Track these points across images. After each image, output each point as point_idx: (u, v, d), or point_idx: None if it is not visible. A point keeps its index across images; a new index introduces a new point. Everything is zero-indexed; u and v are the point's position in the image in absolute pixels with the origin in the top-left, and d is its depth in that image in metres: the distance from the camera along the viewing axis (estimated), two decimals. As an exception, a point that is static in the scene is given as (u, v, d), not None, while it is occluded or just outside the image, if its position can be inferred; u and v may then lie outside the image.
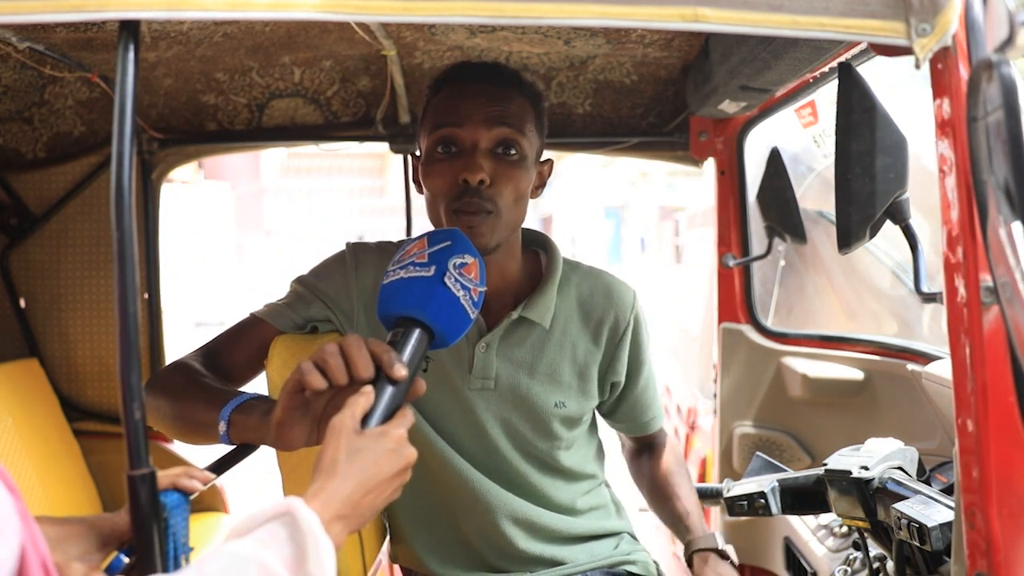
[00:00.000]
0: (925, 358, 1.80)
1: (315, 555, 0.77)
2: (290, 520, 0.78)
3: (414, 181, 1.41)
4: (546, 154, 1.42)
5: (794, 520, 1.94)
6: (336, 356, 0.94)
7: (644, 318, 1.48)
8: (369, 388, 0.92)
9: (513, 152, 1.29)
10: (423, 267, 1.04)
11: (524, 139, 1.30)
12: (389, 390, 0.93)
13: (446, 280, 1.03)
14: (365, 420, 0.91)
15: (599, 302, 1.43)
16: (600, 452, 1.56)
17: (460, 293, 1.04)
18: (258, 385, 1.29)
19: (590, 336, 1.42)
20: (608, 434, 1.60)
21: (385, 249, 1.40)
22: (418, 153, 1.40)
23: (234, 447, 1.10)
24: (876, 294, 2.71)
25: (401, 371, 0.94)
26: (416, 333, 1.00)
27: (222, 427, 1.09)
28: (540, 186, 1.40)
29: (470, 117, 1.28)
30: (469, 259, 1.07)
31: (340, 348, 0.95)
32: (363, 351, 0.94)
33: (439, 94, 1.34)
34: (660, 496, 1.56)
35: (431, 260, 1.04)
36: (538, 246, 1.46)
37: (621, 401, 1.52)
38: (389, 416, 0.92)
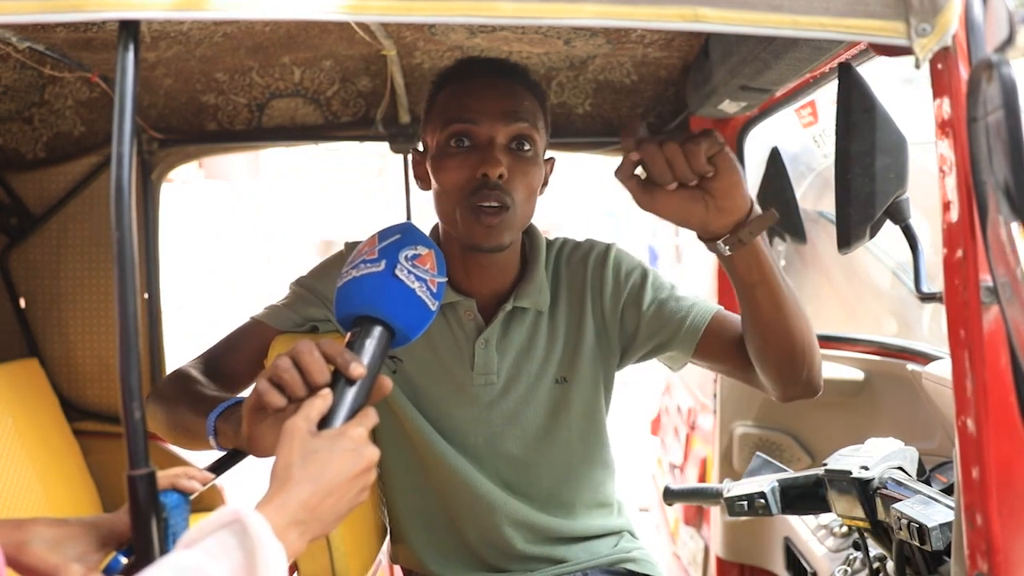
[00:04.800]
0: (925, 358, 1.80)
1: (265, 563, 0.74)
2: (239, 528, 0.75)
3: (416, 177, 1.40)
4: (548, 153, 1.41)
5: (794, 520, 1.93)
6: (290, 370, 0.92)
7: (625, 266, 1.42)
8: (327, 391, 0.90)
9: (528, 148, 1.29)
10: (373, 263, 1.01)
11: (537, 134, 1.30)
12: (349, 391, 0.91)
13: (397, 272, 1.00)
14: (326, 423, 0.89)
15: (577, 272, 1.42)
16: (607, 444, 1.52)
17: (415, 285, 1.01)
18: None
19: (579, 308, 1.41)
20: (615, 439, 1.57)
21: None
22: (420, 148, 1.39)
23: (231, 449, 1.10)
24: (876, 294, 2.71)
25: (358, 370, 0.92)
26: (374, 331, 0.98)
27: (211, 436, 1.10)
28: (543, 184, 1.39)
29: (485, 112, 1.27)
30: (423, 250, 1.04)
31: (292, 360, 0.93)
32: (315, 356, 0.92)
33: (445, 89, 1.33)
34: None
35: (381, 255, 1.02)
36: (523, 233, 1.44)
37: (643, 330, 1.40)
38: (351, 418, 0.90)
